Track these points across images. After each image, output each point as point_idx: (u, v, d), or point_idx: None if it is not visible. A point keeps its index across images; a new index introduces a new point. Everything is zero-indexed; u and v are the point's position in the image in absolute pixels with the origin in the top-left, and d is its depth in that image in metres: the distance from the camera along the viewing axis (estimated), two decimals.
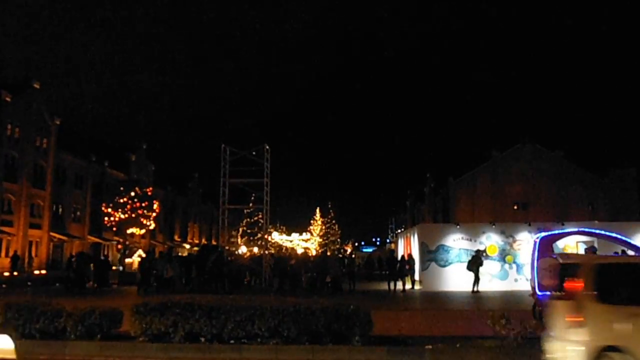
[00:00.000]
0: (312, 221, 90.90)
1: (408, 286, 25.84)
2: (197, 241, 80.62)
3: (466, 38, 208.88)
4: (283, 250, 53.32)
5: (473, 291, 23.55)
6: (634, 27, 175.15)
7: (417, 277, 26.82)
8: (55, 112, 49.20)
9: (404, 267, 25.70)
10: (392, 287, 25.05)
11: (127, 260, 45.45)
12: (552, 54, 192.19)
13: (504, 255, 25.61)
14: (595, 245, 25.02)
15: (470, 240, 25.86)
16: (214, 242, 73.74)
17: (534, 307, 13.02)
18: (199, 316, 10.31)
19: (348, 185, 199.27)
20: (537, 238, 13.22)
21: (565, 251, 25.22)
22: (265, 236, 33.65)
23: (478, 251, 24.67)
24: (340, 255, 31.76)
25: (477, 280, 23.88)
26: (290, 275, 26.23)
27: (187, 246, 73.76)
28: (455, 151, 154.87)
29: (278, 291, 23.42)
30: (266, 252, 29.41)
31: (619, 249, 16.45)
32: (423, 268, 26.02)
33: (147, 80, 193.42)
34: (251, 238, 70.81)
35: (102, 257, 30.80)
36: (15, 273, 37.44)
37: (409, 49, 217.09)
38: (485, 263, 25.56)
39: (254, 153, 28.10)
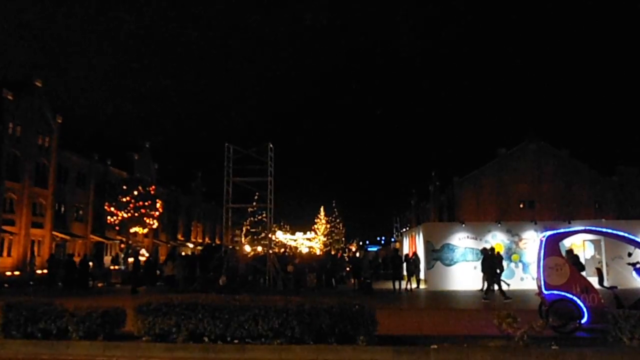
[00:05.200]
0: (316, 220, 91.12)
1: (413, 285, 25.70)
2: (200, 240, 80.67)
3: (473, 36, 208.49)
4: (287, 250, 53.23)
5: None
6: None
7: (422, 276, 26.68)
8: (58, 110, 49.16)
9: (411, 266, 25.55)
10: (397, 286, 24.90)
11: (130, 259, 45.48)
12: (558, 52, 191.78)
13: (510, 254, 25.45)
14: (602, 244, 24.99)
15: (476, 239, 25.70)
16: (217, 242, 73.88)
17: (540, 306, 12.88)
18: (202, 316, 10.24)
19: (353, 183, 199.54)
20: (544, 237, 13.04)
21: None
22: (269, 235, 33.52)
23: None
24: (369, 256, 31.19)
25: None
26: (294, 275, 26.14)
27: (191, 245, 73.77)
28: (460, 149, 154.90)
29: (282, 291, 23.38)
30: (270, 251, 29.26)
31: (628, 248, 16.25)
32: (428, 267, 25.87)
33: (151, 79, 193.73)
34: (255, 237, 70.91)
35: (72, 258, 31.10)
36: (17, 272, 37.43)
37: (414, 47, 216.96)
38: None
39: (257, 151, 27.99)
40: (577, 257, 21.44)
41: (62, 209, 50.75)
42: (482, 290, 22.29)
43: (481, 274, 22.79)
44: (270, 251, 29.31)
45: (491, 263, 21.44)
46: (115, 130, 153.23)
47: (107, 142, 59.35)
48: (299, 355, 9.77)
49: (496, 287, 20.99)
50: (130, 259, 45.25)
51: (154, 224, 48.67)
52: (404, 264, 25.79)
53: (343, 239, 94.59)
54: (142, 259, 35.11)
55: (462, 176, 63.43)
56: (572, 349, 9.76)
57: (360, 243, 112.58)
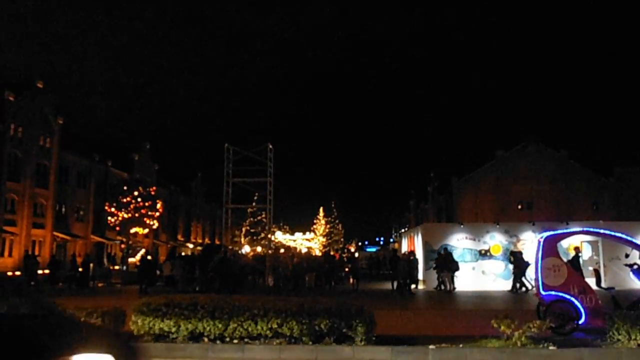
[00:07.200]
0: (315, 220, 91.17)
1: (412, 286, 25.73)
2: (200, 241, 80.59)
3: (471, 38, 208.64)
4: (286, 250, 53.32)
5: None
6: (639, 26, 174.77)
7: (420, 276, 26.73)
8: (59, 111, 49.12)
9: (404, 267, 25.57)
10: (395, 286, 24.94)
11: (131, 259, 45.56)
12: (556, 53, 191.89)
13: (508, 255, 25.52)
14: (600, 245, 25.06)
15: (474, 239, 25.77)
16: (217, 242, 73.88)
17: (538, 307, 12.94)
18: (202, 316, 10.25)
19: (352, 184, 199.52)
20: (541, 238, 13.10)
21: (570, 251, 25.24)
22: (269, 235, 33.59)
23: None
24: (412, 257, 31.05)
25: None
26: (293, 275, 26.22)
27: (191, 246, 73.73)
28: (459, 150, 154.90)
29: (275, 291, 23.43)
30: (269, 251, 29.37)
31: (625, 249, 16.32)
32: (427, 268, 25.92)
33: (151, 80, 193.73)
34: (254, 237, 70.99)
35: (55, 259, 32.21)
36: (18, 273, 37.46)
37: (413, 48, 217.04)
38: (490, 263, 25.49)
39: (257, 152, 28.07)
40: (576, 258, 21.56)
41: (63, 209, 50.74)
42: (437, 288, 24.53)
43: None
44: (270, 251, 29.41)
45: (445, 262, 24.28)
46: (116, 131, 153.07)
47: (107, 142, 59.34)
48: (298, 355, 9.80)
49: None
50: (131, 259, 45.43)
51: (154, 224, 48.69)
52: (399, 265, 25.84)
53: (342, 239, 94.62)
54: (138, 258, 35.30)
55: (460, 177, 63.42)
56: (569, 350, 9.79)
57: (359, 243, 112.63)
